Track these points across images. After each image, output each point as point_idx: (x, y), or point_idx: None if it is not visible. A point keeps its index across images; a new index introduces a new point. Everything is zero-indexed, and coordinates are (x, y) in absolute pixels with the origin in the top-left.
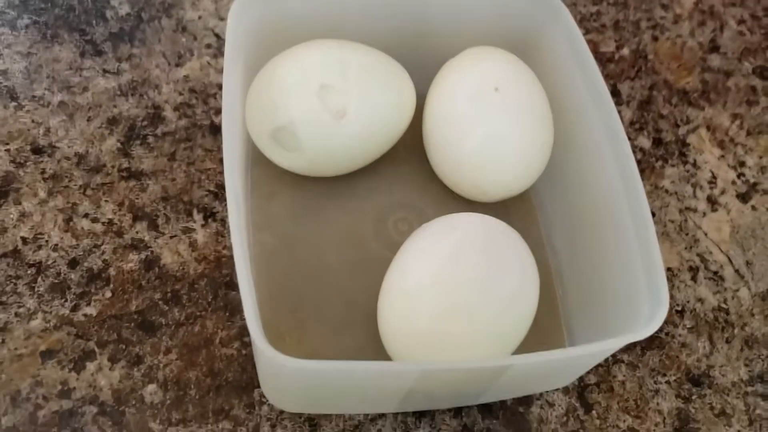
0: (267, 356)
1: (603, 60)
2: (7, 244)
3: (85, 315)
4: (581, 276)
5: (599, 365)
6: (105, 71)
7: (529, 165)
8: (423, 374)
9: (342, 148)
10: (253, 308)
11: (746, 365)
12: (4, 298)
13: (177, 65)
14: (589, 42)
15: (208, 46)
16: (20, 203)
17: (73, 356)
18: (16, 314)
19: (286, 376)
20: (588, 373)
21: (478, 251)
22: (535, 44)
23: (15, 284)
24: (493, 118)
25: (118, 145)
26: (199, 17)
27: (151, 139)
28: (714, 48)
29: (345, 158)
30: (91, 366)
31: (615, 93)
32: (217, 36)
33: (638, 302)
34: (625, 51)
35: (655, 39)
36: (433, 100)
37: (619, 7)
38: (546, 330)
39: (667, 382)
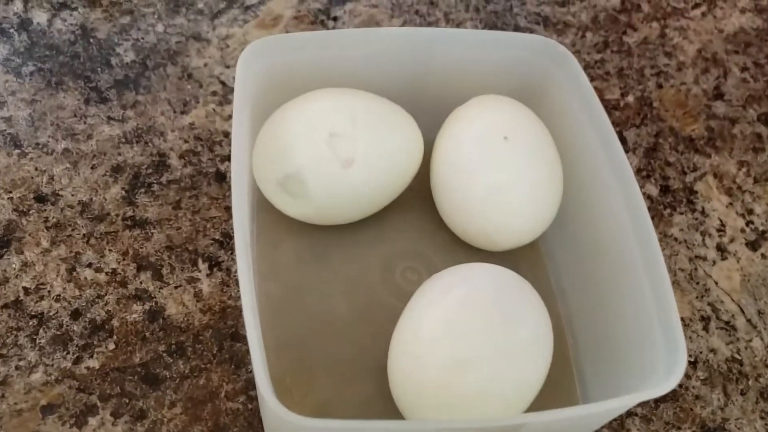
0: (276, 414)
1: (608, 107)
2: (9, 294)
3: (87, 368)
4: (593, 326)
5: (613, 419)
6: (110, 118)
7: (539, 214)
8: None
9: (350, 195)
10: (262, 363)
11: (762, 418)
12: (4, 351)
13: (182, 112)
14: (593, 89)
15: (214, 93)
16: (22, 252)
17: (75, 411)
18: (17, 367)
19: None
20: (602, 427)
21: (490, 303)
22: (543, 92)
23: (16, 336)
24: (501, 165)
25: (123, 193)
26: (205, 64)
27: (156, 187)
28: (718, 95)
29: (353, 206)
30: (93, 421)
31: (621, 140)
32: (223, 83)
33: (653, 354)
34: (630, 98)
35: (660, 86)
36: (441, 147)
37: (623, 54)
38: (558, 380)
39: None
